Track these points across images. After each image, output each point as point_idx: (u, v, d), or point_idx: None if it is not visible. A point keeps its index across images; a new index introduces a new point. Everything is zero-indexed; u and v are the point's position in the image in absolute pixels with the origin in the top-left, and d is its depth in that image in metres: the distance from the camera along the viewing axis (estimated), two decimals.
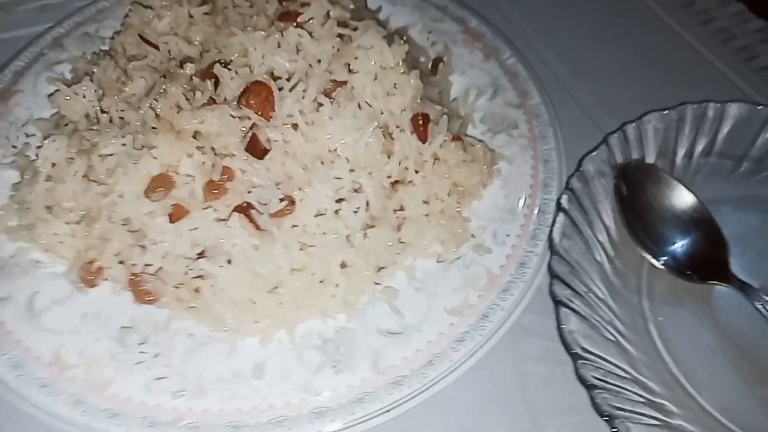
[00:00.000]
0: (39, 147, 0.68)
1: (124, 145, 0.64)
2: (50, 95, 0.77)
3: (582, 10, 0.98)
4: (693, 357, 0.62)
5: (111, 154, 0.64)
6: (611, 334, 0.61)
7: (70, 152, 0.67)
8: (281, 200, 0.61)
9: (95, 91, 0.72)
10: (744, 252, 0.70)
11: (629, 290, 0.67)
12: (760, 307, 0.62)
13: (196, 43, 0.74)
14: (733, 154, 0.77)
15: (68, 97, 0.71)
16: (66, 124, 0.73)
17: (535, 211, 0.70)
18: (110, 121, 0.69)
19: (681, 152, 0.77)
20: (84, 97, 0.72)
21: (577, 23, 0.96)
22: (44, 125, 0.76)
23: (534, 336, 0.65)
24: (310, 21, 0.69)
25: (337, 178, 0.64)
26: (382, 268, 0.65)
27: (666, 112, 0.76)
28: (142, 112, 0.66)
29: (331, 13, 0.70)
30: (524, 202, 0.71)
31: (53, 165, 0.67)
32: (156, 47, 0.74)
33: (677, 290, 0.67)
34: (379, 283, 0.65)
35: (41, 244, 0.66)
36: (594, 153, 0.73)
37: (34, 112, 0.79)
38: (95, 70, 0.74)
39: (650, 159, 0.74)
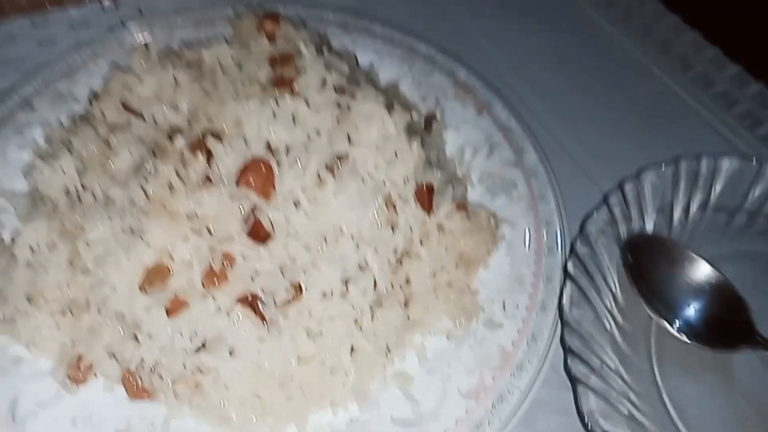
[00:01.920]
0: (17, 231, 0.63)
1: (113, 229, 0.60)
2: (26, 169, 0.72)
3: (569, 60, 0.98)
4: (710, 428, 0.62)
5: (99, 240, 0.60)
6: (627, 409, 0.60)
7: (52, 236, 0.62)
8: (288, 290, 0.58)
9: (75, 165, 0.67)
10: None
11: (640, 358, 0.67)
12: None
13: (183, 110, 0.70)
14: (728, 208, 0.78)
15: (46, 173, 0.66)
16: (43, 201, 0.68)
17: (542, 279, 0.69)
18: (94, 199, 0.64)
19: (678, 208, 0.77)
20: (64, 172, 0.67)
21: (566, 73, 0.96)
22: (18, 201, 0.70)
23: (548, 411, 0.64)
24: (307, 88, 0.66)
25: (343, 257, 0.61)
26: (391, 349, 0.63)
27: (662, 167, 0.76)
28: (130, 190, 0.62)
29: (327, 80, 0.67)
30: (530, 270, 0.70)
31: (32, 250, 0.62)
32: (140, 115, 0.69)
33: (688, 355, 0.66)
34: (390, 367, 0.62)
35: (22, 339, 0.61)
36: (595, 215, 0.73)
37: (3, 183, 0.73)
38: (73, 139, 0.69)
39: (649, 216, 0.74)
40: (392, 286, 0.64)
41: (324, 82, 0.67)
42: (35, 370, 0.60)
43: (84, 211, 0.63)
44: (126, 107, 0.69)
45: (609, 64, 0.99)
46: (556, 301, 0.68)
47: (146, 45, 0.78)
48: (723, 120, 0.92)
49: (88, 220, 0.61)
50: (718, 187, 0.77)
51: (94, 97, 0.77)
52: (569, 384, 0.64)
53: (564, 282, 0.67)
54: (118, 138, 0.67)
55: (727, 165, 0.76)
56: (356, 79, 0.76)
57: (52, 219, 0.64)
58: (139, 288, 0.57)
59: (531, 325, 0.66)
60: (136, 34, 0.89)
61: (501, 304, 0.67)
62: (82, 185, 0.66)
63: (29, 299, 0.61)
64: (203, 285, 0.58)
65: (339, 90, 0.67)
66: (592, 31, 1.03)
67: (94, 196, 0.65)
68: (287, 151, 0.63)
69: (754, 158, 0.76)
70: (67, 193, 0.67)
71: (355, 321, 0.61)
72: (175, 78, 0.72)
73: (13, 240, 0.63)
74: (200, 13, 0.94)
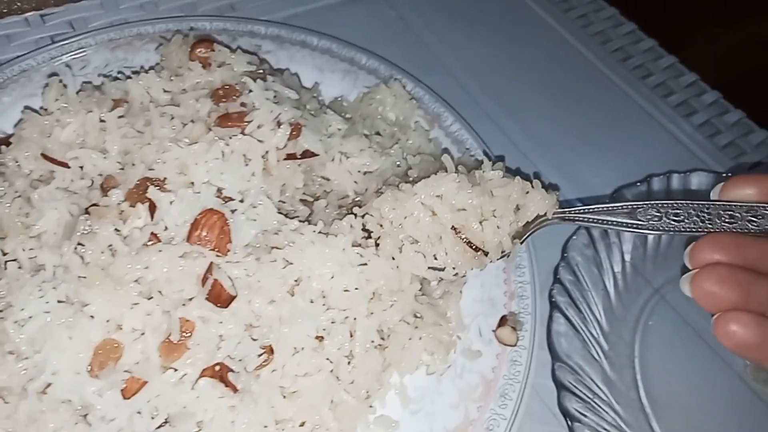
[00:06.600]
0: None
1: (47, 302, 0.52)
2: None
3: (535, 72, 0.98)
4: None
5: (31, 317, 0.52)
6: None
7: None
8: (260, 355, 0.53)
9: None
10: None
11: (626, 386, 0.67)
12: None
13: (114, 154, 0.63)
14: None
15: None
16: None
17: (514, 299, 0.68)
18: (19, 268, 0.56)
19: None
20: None
21: (529, 83, 0.96)
22: None
23: None
24: (259, 128, 0.61)
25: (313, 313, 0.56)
26: (371, 395, 0.59)
27: (638, 184, 0.77)
28: (63, 256, 0.55)
29: (282, 116, 0.62)
30: (501, 289, 0.68)
31: None
32: (64, 165, 0.61)
33: (673, 379, 0.67)
34: (372, 414, 0.59)
35: None
36: (575, 238, 0.72)
37: None
38: None
39: (626, 238, 0.74)
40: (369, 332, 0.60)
41: (278, 120, 0.62)
42: None
43: (9, 284, 0.55)
44: (47, 158, 0.61)
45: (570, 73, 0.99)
46: (530, 318, 0.67)
47: (60, 79, 0.69)
48: (692, 137, 0.94)
49: (15, 294, 0.53)
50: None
51: (3, 143, 0.68)
52: (554, 414, 0.63)
53: (551, 314, 0.66)
54: (41, 193, 0.59)
55: (696, 180, 0.77)
56: (305, 105, 0.72)
57: None
58: (89, 372, 0.50)
59: (509, 348, 0.64)
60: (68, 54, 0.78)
61: (477, 330, 0.65)
62: (2, 251, 0.58)
63: None
64: (161, 357, 0.52)
65: (294, 127, 0.62)
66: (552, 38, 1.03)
67: (19, 264, 0.57)
68: (241, 196, 0.58)
69: (724, 173, 0.78)
70: None
71: (331, 371, 0.57)
72: (100, 118, 0.64)
73: None
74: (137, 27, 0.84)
